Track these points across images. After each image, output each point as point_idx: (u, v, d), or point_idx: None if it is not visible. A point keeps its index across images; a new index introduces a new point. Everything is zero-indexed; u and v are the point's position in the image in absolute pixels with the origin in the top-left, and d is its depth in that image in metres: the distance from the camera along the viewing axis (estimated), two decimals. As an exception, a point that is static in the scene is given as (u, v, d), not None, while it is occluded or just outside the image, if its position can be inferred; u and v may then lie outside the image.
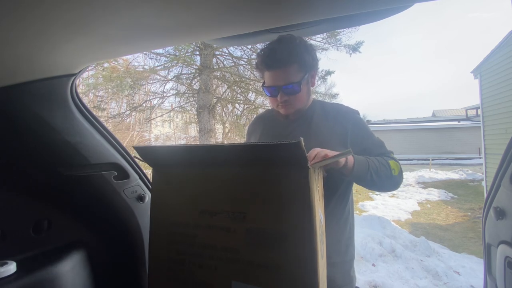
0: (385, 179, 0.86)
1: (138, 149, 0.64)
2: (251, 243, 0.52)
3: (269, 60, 0.88)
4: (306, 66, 0.91)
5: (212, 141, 6.37)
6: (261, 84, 1.03)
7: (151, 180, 0.82)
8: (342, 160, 0.73)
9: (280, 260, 0.49)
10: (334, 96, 6.96)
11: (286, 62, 0.87)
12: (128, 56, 5.98)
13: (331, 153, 0.69)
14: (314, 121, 0.96)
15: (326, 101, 1.31)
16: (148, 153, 0.66)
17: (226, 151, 0.56)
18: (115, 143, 0.91)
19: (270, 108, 1.14)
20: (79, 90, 0.84)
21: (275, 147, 0.48)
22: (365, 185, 0.86)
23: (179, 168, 0.62)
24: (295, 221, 0.49)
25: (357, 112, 0.99)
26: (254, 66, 0.99)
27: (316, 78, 1.00)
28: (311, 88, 0.99)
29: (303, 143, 0.45)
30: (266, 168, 0.52)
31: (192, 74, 6.70)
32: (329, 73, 6.30)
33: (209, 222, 0.57)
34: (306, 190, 0.48)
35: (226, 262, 0.54)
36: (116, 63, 5.82)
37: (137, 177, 0.97)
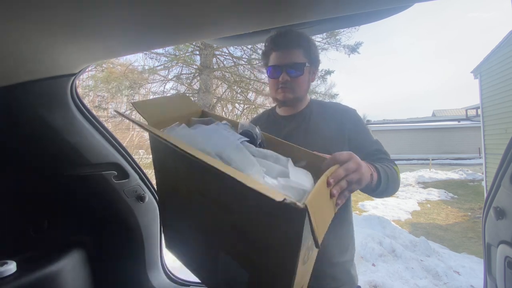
0: (396, 187, 0.83)
1: (136, 104, 0.64)
2: (234, 236, 0.52)
3: (278, 39, 0.92)
4: (311, 56, 0.95)
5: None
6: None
7: (151, 176, 0.81)
8: (368, 178, 0.66)
9: (260, 259, 0.49)
10: (334, 96, 6.96)
11: (293, 44, 0.92)
12: (129, 56, 5.99)
13: (361, 164, 0.60)
14: (312, 120, 0.97)
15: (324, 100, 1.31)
16: (144, 106, 0.66)
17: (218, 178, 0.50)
18: (115, 143, 0.91)
19: (267, 109, 1.15)
20: (78, 92, 0.84)
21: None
22: (376, 195, 0.81)
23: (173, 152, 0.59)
24: (278, 253, 0.46)
25: (354, 111, 1.00)
26: (261, 53, 1.02)
27: (316, 78, 1.01)
28: (311, 83, 1.01)
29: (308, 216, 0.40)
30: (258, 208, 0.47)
31: (192, 74, 6.70)
32: (328, 72, 6.29)
33: (201, 200, 0.57)
34: (296, 243, 0.43)
35: (223, 211, 0.54)
36: (113, 64, 5.82)
37: (137, 177, 0.97)
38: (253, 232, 0.49)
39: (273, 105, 1.11)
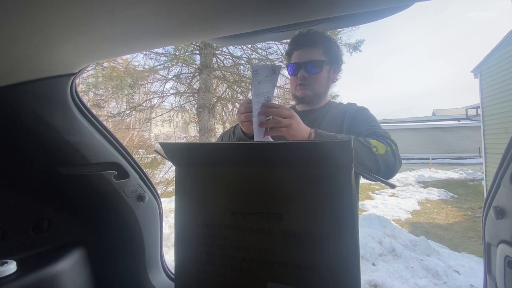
0: (364, 156, 0.76)
1: (163, 145, 0.60)
2: (288, 245, 0.50)
3: (298, 39, 0.96)
4: (331, 55, 0.98)
5: (212, 141, 6.36)
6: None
7: (151, 176, 0.81)
8: (306, 134, 0.77)
9: (320, 261, 0.48)
10: (334, 97, 6.95)
11: (313, 43, 0.95)
12: (128, 56, 5.98)
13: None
14: (325, 120, 0.98)
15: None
16: (173, 150, 0.61)
17: (262, 150, 0.53)
18: (115, 142, 0.91)
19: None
20: (79, 89, 0.84)
21: (320, 146, 0.46)
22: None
23: (206, 167, 0.58)
24: (337, 223, 0.47)
25: (367, 110, 1.00)
26: (285, 53, 1.07)
27: (338, 78, 1.05)
28: (332, 82, 1.04)
29: (352, 143, 0.42)
30: (307, 168, 0.49)
31: (192, 74, 6.70)
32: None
33: (242, 224, 0.54)
34: (349, 192, 0.46)
35: (261, 263, 0.52)
36: (116, 63, 5.82)
37: (137, 176, 0.97)
38: (307, 222, 0.49)
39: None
